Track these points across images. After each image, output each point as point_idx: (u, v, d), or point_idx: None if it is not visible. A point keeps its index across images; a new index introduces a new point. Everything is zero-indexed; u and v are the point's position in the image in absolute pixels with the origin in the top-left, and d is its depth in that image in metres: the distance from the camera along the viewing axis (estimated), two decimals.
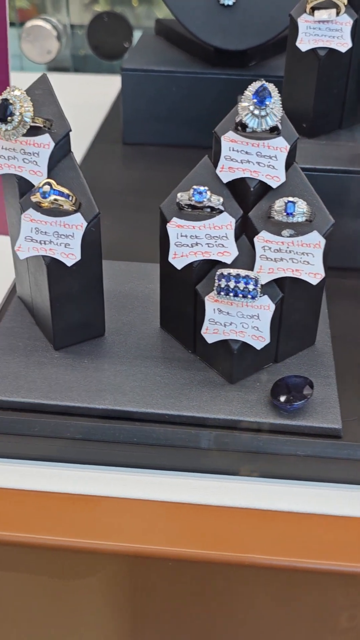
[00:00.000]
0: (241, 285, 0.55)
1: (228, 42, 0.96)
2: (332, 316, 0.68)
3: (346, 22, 0.73)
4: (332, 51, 0.73)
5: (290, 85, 0.78)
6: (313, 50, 0.74)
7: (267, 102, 0.56)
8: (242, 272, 0.55)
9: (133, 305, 0.68)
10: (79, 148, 1.00)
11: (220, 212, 0.58)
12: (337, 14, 0.73)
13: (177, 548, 0.53)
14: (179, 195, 0.58)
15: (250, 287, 0.55)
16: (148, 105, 1.00)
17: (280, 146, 0.58)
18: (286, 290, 0.58)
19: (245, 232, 0.60)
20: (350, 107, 0.78)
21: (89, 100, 1.20)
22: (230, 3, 0.94)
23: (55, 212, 0.58)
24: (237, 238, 0.59)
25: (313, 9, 0.74)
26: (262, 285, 0.56)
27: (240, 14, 0.95)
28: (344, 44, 0.73)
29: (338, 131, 0.79)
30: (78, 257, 0.58)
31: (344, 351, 0.65)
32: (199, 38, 0.96)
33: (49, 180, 0.57)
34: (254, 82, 0.57)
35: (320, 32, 0.74)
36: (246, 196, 0.59)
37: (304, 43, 0.74)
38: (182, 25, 0.96)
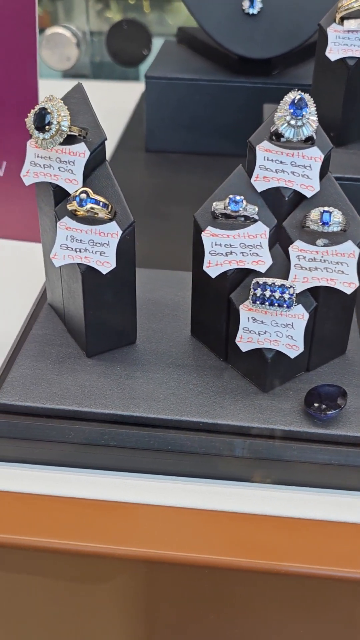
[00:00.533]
0: (277, 295, 0.55)
1: (252, 51, 0.96)
2: None
3: None
4: None
5: (318, 94, 0.78)
6: (342, 60, 0.74)
7: (304, 112, 0.56)
8: (278, 281, 0.56)
9: (163, 313, 0.68)
10: None
11: (255, 221, 0.58)
12: None
13: (205, 555, 0.53)
14: (214, 204, 0.58)
15: (286, 296, 0.55)
16: (171, 113, 1.01)
17: (314, 156, 0.58)
18: (320, 299, 0.58)
19: (278, 241, 0.60)
20: None
21: (108, 107, 1.20)
22: (255, 12, 0.95)
23: (91, 220, 0.58)
24: (270, 247, 0.59)
25: (342, 18, 0.74)
26: (296, 294, 0.57)
27: (264, 23, 0.95)
28: None
29: None
30: (113, 265, 0.58)
31: None
32: (224, 46, 0.97)
33: (86, 188, 0.57)
34: (290, 92, 0.57)
35: (350, 41, 0.74)
36: (280, 205, 0.59)
37: (333, 53, 0.74)
38: (207, 33, 0.97)
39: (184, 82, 1.00)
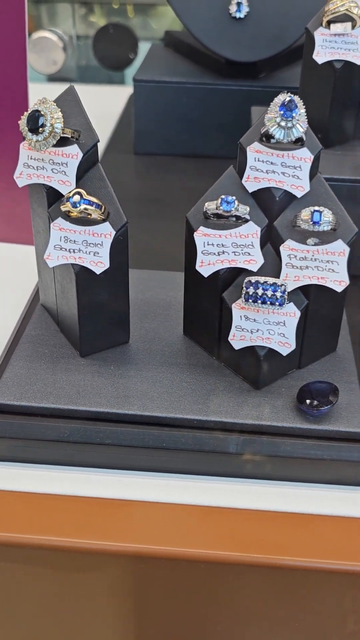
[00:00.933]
0: (269, 293, 0.56)
1: (239, 54, 0.97)
2: (350, 324, 0.69)
3: None
4: (347, 64, 0.75)
5: (305, 97, 0.78)
6: (329, 63, 0.75)
7: (294, 114, 0.57)
8: (270, 280, 0.57)
9: (155, 313, 0.69)
10: None
11: (246, 221, 0.59)
12: (353, 27, 0.75)
13: (201, 550, 0.54)
14: (206, 204, 0.59)
15: (278, 294, 0.56)
16: (159, 116, 1.02)
17: (304, 157, 0.59)
18: (311, 297, 0.59)
19: (269, 240, 0.61)
20: None
21: (96, 110, 1.21)
22: (242, 15, 0.96)
23: (84, 221, 0.59)
24: (262, 246, 0.60)
25: (329, 22, 0.75)
26: (288, 292, 0.58)
27: (251, 27, 0.96)
28: (359, 57, 0.75)
29: (352, 142, 0.80)
30: (107, 265, 0.59)
31: None
32: (211, 50, 0.98)
33: (79, 190, 0.58)
34: (280, 94, 0.58)
35: (337, 45, 0.75)
36: (271, 205, 0.60)
37: (320, 56, 0.75)
38: (194, 37, 0.97)
39: (171, 85, 1.00)
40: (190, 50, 1.06)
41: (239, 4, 0.95)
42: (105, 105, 1.25)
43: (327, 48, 0.75)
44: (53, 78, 1.45)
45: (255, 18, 0.96)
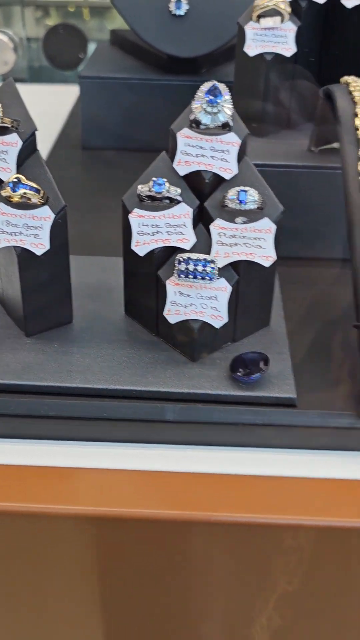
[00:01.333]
0: (199, 268, 0.60)
1: (180, 50, 1.01)
2: (284, 301, 0.73)
3: (290, 28, 0.79)
4: (278, 56, 0.79)
5: (240, 88, 0.83)
6: (260, 55, 0.79)
7: (219, 100, 0.61)
8: (200, 256, 0.60)
9: (98, 295, 0.72)
10: None
11: (178, 202, 0.63)
12: (282, 21, 0.79)
13: (145, 510, 0.57)
14: (139, 187, 0.62)
15: (208, 269, 0.60)
16: (105, 112, 1.05)
17: (232, 141, 0.63)
18: (241, 272, 0.63)
19: (201, 220, 0.64)
20: (296, 108, 0.84)
21: (45, 108, 1.24)
22: (182, 13, 0.99)
23: (24, 205, 0.62)
24: (194, 226, 0.63)
25: (259, 16, 0.79)
26: (219, 268, 0.61)
27: (191, 24, 1.00)
28: (288, 49, 0.79)
29: (286, 131, 0.84)
30: (47, 246, 0.62)
31: (296, 331, 0.70)
32: (153, 46, 1.01)
33: (18, 175, 0.61)
34: (205, 82, 0.61)
35: (267, 38, 0.79)
36: (202, 187, 0.63)
37: (251, 48, 0.79)
38: (137, 34, 1.01)
39: (116, 82, 1.04)
40: (134, 48, 1.09)
41: (178, 2, 0.99)
42: (56, 103, 1.28)
43: (257, 41, 0.79)
44: (6, 78, 1.47)
45: (194, 15, 1.00)
